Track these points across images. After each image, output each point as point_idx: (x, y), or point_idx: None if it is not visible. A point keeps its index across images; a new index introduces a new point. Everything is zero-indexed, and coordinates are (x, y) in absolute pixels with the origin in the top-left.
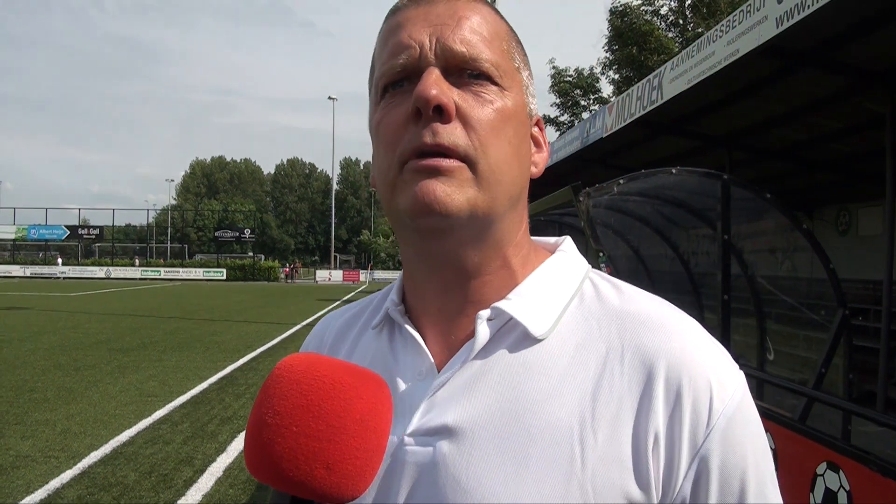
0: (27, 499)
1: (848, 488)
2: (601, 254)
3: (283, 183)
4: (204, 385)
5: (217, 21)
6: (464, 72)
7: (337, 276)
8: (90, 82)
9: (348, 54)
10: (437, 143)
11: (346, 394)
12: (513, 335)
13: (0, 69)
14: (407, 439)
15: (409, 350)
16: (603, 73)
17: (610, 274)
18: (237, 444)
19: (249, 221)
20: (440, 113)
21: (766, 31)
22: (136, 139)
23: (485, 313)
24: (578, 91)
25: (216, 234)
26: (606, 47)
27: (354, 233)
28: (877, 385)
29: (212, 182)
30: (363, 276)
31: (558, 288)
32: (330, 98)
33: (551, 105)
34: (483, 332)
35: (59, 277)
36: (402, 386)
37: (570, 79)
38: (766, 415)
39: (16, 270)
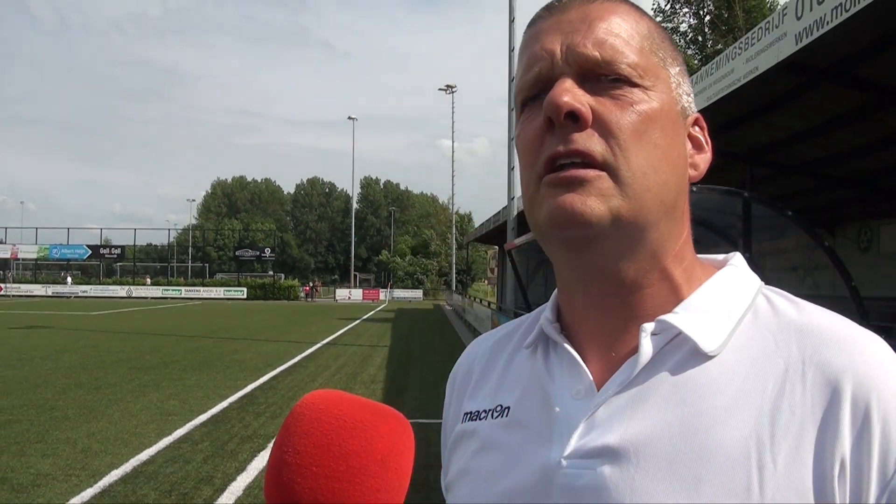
0: None
1: None
2: None
3: (303, 202)
4: (224, 404)
5: (237, 43)
6: (600, 77)
7: (357, 294)
8: (112, 104)
9: (367, 74)
10: (572, 149)
11: (368, 433)
12: (681, 351)
13: (23, 91)
14: (564, 462)
15: (565, 368)
16: None
17: None
18: (257, 464)
19: (269, 240)
20: (574, 120)
21: (786, 47)
22: (157, 160)
23: (649, 327)
24: None
25: (236, 253)
26: None
27: (374, 251)
28: None
29: (232, 202)
30: (383, 294)
31: (730, 302)
32: (350, 118)
33: None
34: (647, 346)
35: (69, 297)
36: (558, 406)
37: None
38: None
39: (37, 290)
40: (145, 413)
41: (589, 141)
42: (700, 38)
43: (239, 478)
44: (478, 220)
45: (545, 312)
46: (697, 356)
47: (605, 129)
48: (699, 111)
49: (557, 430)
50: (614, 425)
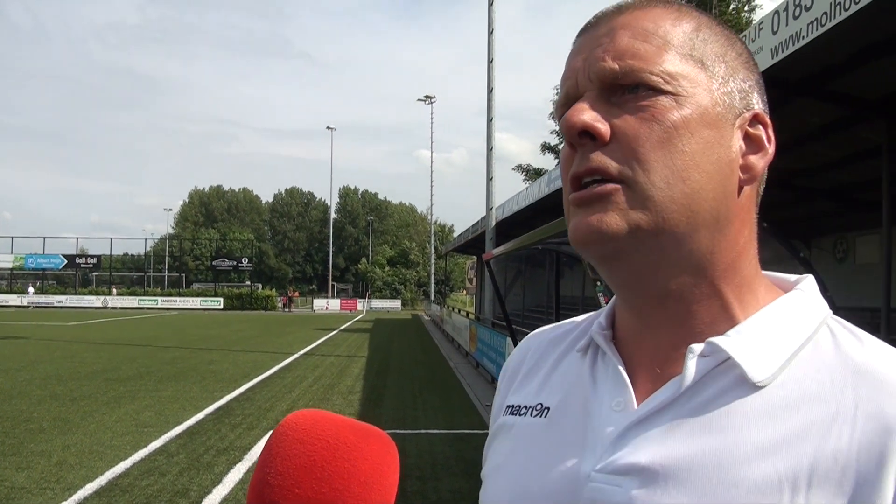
0: None
1: None
2: (598, 283)
3: (281, 212)
4: (200, 415)
5: (216, 52)
6: (624, 89)
7: (334, 304)
8: (89, 112)
9: (346, 85)
10: (587, 168)
11: (352, 454)
12: (728, 377)
13: None
14: (594, 475)
15: (609, 379)
16: None
17: (607, 302)
18: (233, 476)
19: (247, 250)
20: (592, 139)
21: (762, 61)
22: (134, 169)
23: (697, 347)
24: None
25: (213, 263)
26: None
27: (352, 261)
28: None
29: (210, 211)
30: (360, 304)
31: (789, 330)
32: (328, 128)
33: (551, 132)
34: (692, 368)
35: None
36: (596, 417)
37: None
38: None
39: (13, 300)
40: (121, 425)
41: (604, 157)
42: None
43: (215, 490)
44: (456, 231)
45: (599, 318)
46: (745, 385)
47: (623, 143)
48: None
49: (591, 440)
50: (648, 444)
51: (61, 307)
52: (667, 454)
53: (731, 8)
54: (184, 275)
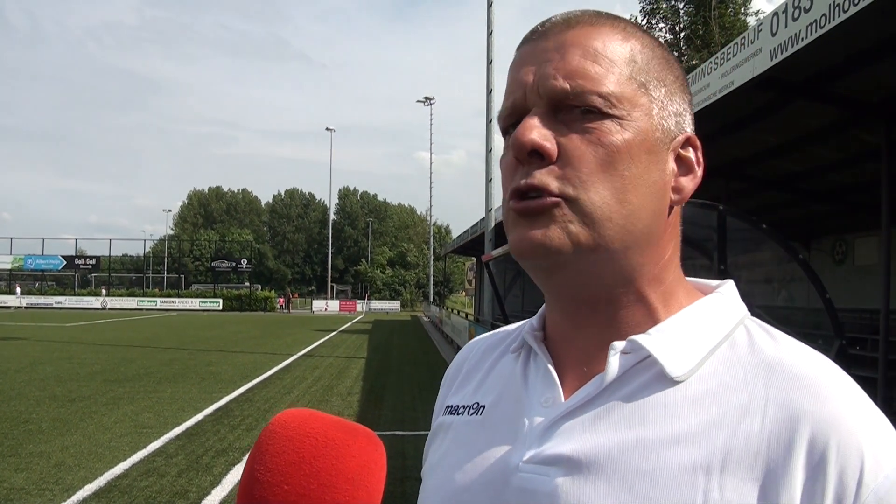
0: None
1: None
2: None
3: (280, 213)
4: (199, 416)
5: (214, 53)
6: (572, 108)
7: (333, 306)
8: (88, 114)
9: (344, 86)
10: (529, 184)
11: (339, 451)
12: (648, 373)
13: None
14: (522, 465)
15: (539, 377)
16: None
17: None
18: (232, 477)
19: (246, 251)
20: (540, 157)
21: (761, 63)
22: (133, 170)
23: (619, 345)
24: None
25: (213, 264)
26: None
27: (351, 263)
28: None
29: (209, 212)
30: (360, 306)
31: (706, 330)
32: (327, 129)
33: None
34: (614, 364)
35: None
36: (526, 412)
37: None
38: None
39: (12, 300)
40: (119, 426)
41: (547, 176)
42: (676, 54)
43: (214, 491)
44: (455, 232)
45: (532, 321)
46: (663, 380)
47: (567, 164)
48: None
49: (522, 434)
50: (572, 437)
51: (60, 308)
52: (590, 445)
53: (728, 10)
54: (183, 276)
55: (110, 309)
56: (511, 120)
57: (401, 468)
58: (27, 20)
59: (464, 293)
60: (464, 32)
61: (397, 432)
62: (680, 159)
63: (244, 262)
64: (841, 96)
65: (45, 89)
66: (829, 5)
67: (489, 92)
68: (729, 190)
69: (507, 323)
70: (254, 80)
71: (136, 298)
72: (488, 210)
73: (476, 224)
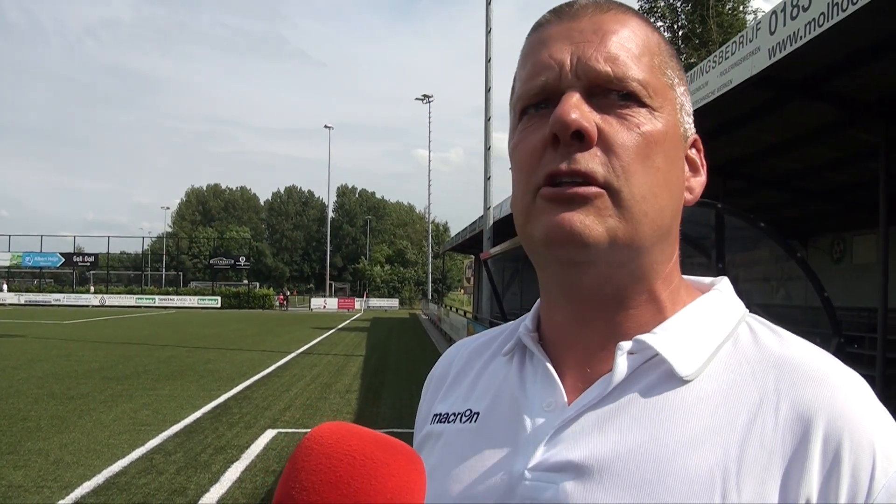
0: None
1: None
2: None
3: (278, 210)
4: (198, 414)
5: (212, 51)
6: (609, 93)
7: (332, 303)
8: (87, 111)
9: (343, 84)
10: (574, 169)
11: (378, 470)
12: (656, 372)
13: None
14: (527, 474)
15: (538, 380)
16: None
17: None
18: (230, 475)
19: (244, 249)
20: (580, 139)
21: (759, 61)
22: (131, 167)
23: (626, 345)
24: None
25: (211, 261)
26: None
27: (350, 260)
28: None
29: (207, 210)
30: (358, 303)
31: (711, 328)
32: (326, 126)
33: None
34: (622, 365)
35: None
36: (527, 417)
37: None
38: None
39: (10, 298)
40: (118, 423)
41: (592, 161)
42: None
43: (212, 489)
44: (453, 230)
45: (525, 321)
46: (672, 379)
47: (609, 150)
48: None
49: (524, 441)
50: (581, 441)
51: (58, 305)
52: (600, 450)
53: (726, 8)
54: (181, 273)
55: (108, 306)
56: (539, 99)
57: None
58: (25, 17)
59: (462, 291)
60: (462, 30)
61: (395, 430)
62: (688, 159)
63: (242, 260)
64: (839, 95)
65: (44, 86)
66: (828, 4)
67: (488, 90)
68: (727, 188)
69: (505, 320)
70: (252, 78)
71: (135, 296)
72: (487, 208)
73: (475, 222)
